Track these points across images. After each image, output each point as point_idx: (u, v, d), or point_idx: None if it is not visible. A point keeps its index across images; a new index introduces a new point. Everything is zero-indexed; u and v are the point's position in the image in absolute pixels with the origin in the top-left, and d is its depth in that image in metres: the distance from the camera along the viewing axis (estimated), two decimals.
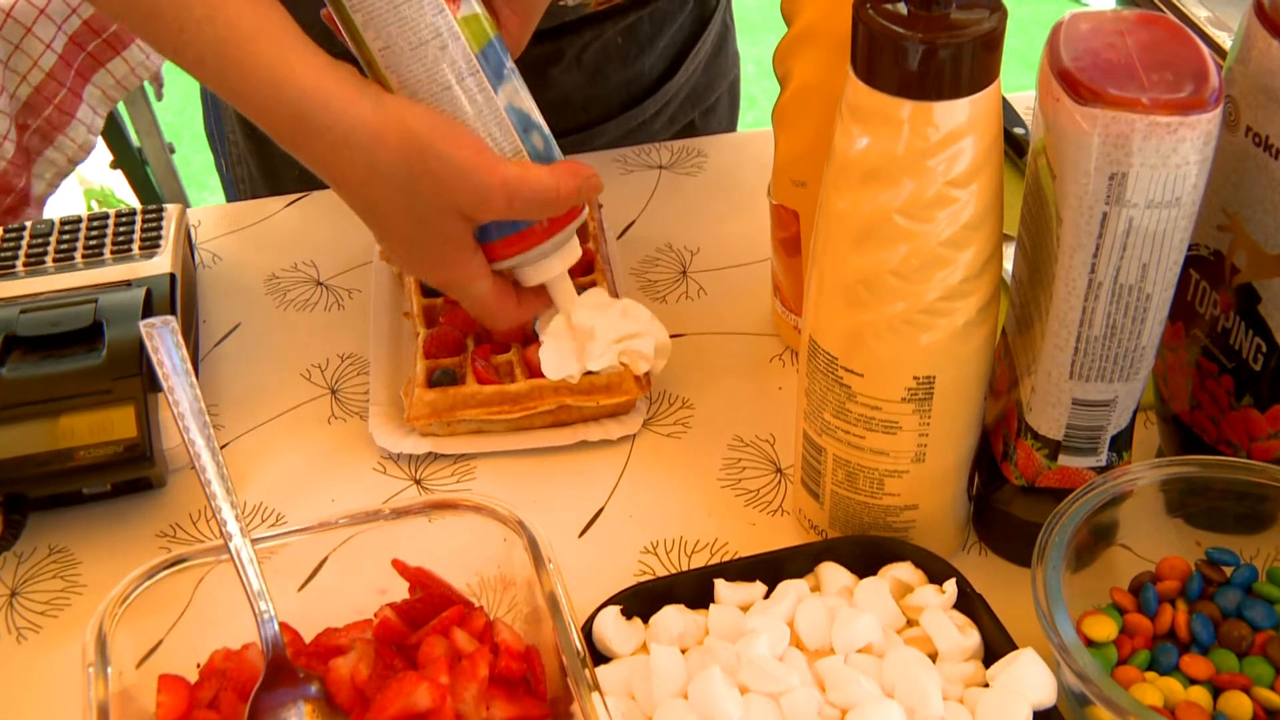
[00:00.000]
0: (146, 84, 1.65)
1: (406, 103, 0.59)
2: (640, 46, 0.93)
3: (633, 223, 0.87)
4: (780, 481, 0.69)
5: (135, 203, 1.92)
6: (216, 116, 1.03)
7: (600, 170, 0.91)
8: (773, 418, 0.72)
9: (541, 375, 0.70)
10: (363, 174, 0.59)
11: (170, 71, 1.66)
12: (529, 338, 0.73)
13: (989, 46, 0.49)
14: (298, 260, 0.85)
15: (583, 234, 0.80)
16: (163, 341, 0.55)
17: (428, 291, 0.76)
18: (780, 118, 0.68)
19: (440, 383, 0.70)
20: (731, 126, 1.09)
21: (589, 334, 0.70)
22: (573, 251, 0.67)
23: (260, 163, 0.97)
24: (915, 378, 0.55)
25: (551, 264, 0.66)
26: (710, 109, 1.04)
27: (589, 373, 0.70)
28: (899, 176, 0.51)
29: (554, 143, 0.64)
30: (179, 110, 2.62)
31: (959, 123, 0.50)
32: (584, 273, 0.77)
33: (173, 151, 1.88)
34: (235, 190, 1.03)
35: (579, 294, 0.73)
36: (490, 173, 0.60)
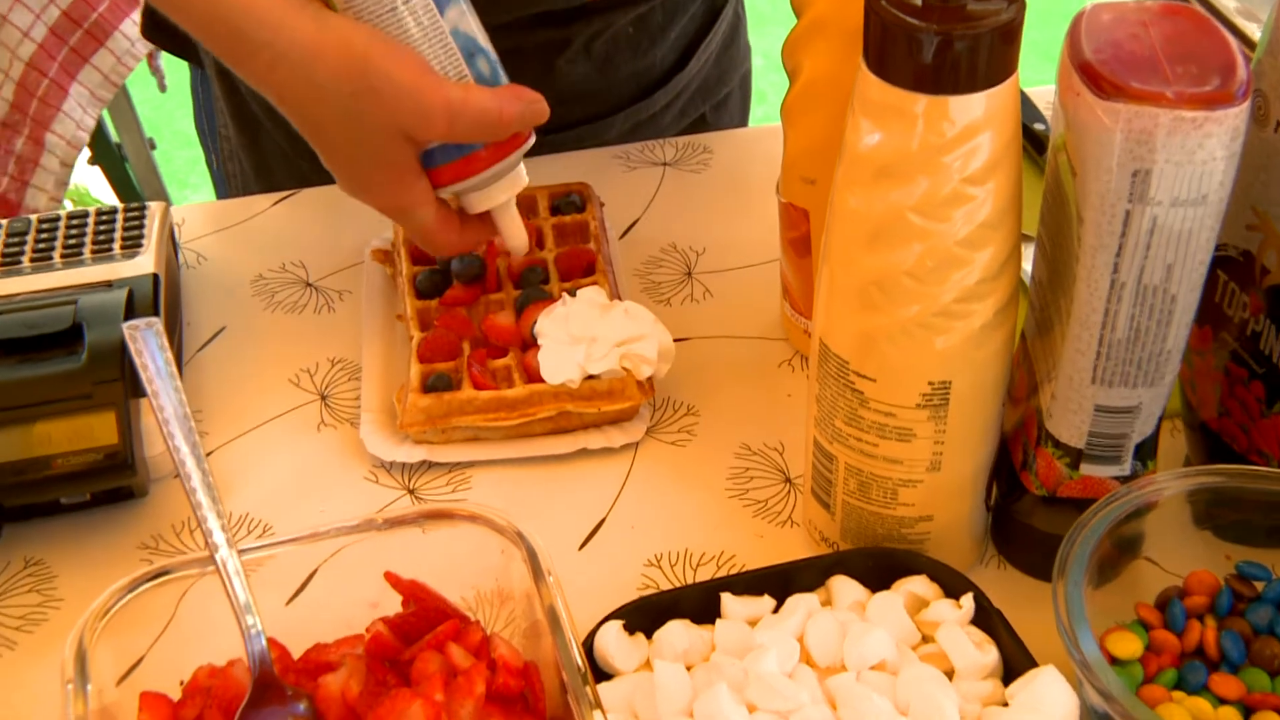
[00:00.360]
0: (128, 80, 1.65)
1: (350, 22, 0.62)
2: (651, 37, 0.94)
3: (636, 222, 0.87)
4: (790, 491, 0.69)
5: (113, 200, 1.93)
6: (208, 110, 1.03)
7: (603, 167, 0.92)
8: (782, 425, 0.72)
9: (540, 380, 0.70)
10: (303, 92, 0.61)
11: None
12: (528, 342, 0.73)
13: (1007, 38, 0.49)
14: (286, 260, 0.85)
15: (584, 234, 0.80)
16: (147, 344, 0.56)
17: (422, 293, 0.76)
18: (789, 113, 0.69)
19: (435, 388, 0.70)
20: (743, 120, 1.09)
21: (590, 337, 0.71)
22: (518, 179, 0.69)
23: (252, 158, 0.97)
24: (930, 383, 0.55)
25: (496, 191, 0.68)
26: (722, 102, 1.04)
27: (590, 377, 0.70)
28: (913, 173, 0.51)
29: (500, 69, 0.66)
30: (159, 105, 2.62)
31: (975, 117, 0.50)
32: (585, 274, 0.78)
33: (154, 148, 1.89)
34: (226, 187, 1.04)
35: (578, 294, 0.73)
36: (433, 93, 0.62)
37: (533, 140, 0.68)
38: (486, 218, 0.70)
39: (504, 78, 0.66)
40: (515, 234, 0.70)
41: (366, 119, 0.62)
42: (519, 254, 0.71)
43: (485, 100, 0.63)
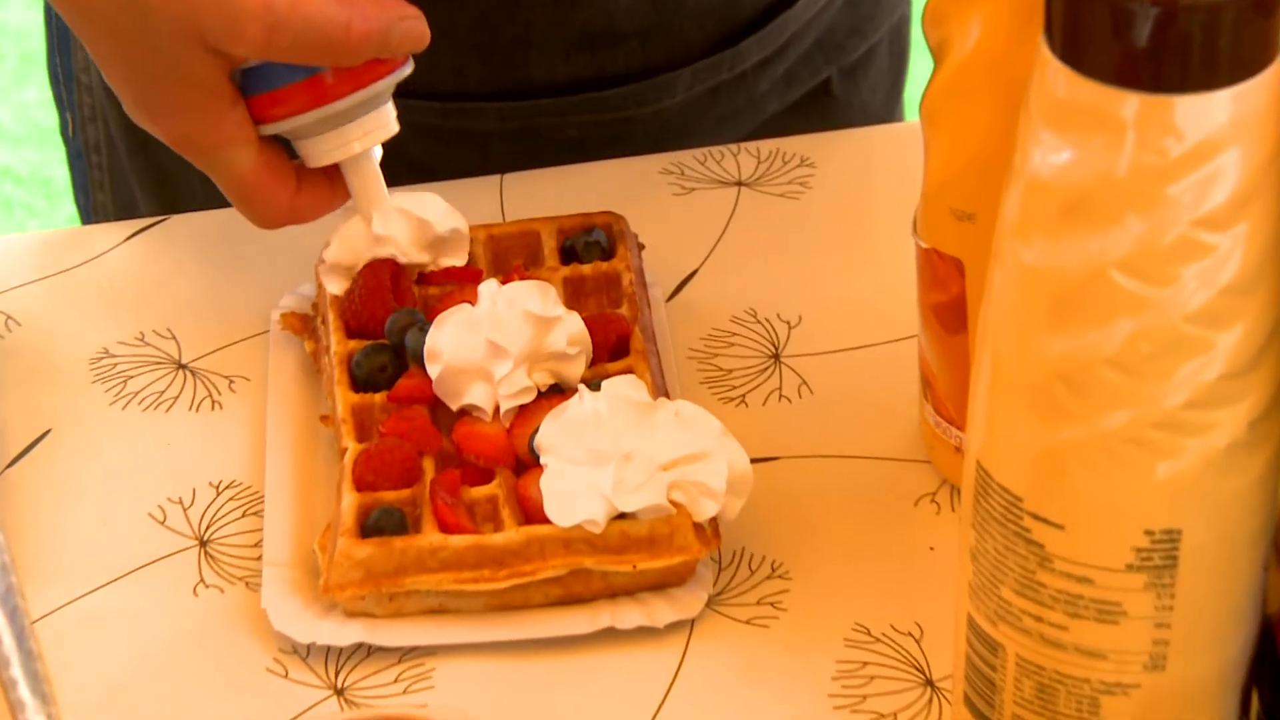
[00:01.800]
0: None
1: None
2: None
3: (693, 274, 0.89)
4: (931, 700, 0.71)
5: None
6: (63, 48, 1.06)
7: (645, 185, 0.93)
8: (919, 596, 0.74)
9: (544, 520, 0.71)
10: None
11: None
12: (525, 460, 0.75)
13: (1264, 8, 0.51)
14: (146, 328, 0.87)
15: (615, 294, 0.82)
16: None
17: (360, 382, 0.78)
18: (933, 111, 0.71)
19: (380, 529, 0.72)
20: (894, 97, 1.09)
21: (621, 454, 0.72)
22: (382, 124, 0.73)
23: (125, 119, 1.00)
24: (1148, 532, 0.57)
25: (348, 137, 0.72)
26: (858, 66, 1.04)
27: (621, 517, 0.71)
28: (1120, 211, 0.53)
29: None
30: None
31: (1216, 127, 0.52)
32: (614, 356, 0.79)
33: None
34: (85, 164, 1.07)
35: (603, 386, 0.74)
36: None
37: (408, 69, 0.72)
38: (334, 175, 0.74)
39: None
40: (374, 198, 0.74)
41: (152, 15, 0.66)
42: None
43: (326, 7, 0.67)
